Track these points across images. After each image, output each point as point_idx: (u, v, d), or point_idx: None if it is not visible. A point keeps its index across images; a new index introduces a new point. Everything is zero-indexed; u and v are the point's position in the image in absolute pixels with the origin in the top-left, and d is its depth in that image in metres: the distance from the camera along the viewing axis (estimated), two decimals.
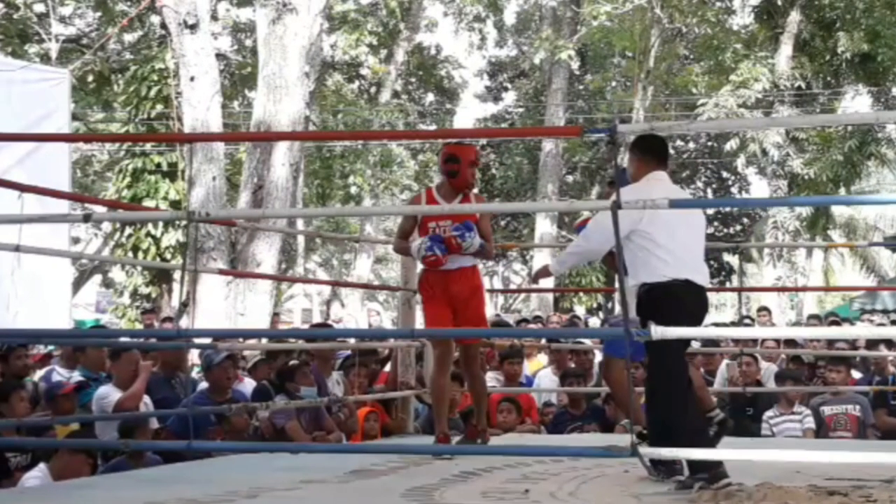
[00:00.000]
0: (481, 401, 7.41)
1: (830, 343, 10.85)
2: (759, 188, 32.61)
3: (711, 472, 5.18)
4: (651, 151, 5.86)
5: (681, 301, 5.43)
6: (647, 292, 5.44)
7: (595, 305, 30.51)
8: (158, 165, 21.19)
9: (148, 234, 20.72)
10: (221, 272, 13.68)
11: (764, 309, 15.71)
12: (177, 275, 20.77)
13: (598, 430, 9.31)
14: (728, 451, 5.50)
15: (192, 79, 15.72)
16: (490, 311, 31.48)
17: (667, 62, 29.87)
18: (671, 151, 26.93)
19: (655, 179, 5.77)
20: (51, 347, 10.91)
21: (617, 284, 5.80)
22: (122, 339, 9.73)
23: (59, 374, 9.21)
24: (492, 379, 10.32)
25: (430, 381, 7.41)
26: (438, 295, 7.04)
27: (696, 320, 5.51)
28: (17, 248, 6.60)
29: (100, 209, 8.64)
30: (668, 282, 5.44)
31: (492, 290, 33.66)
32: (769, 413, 9.46)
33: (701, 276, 5.63)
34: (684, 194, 6.18)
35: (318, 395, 8.37)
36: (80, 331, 12.74)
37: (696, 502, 4.78)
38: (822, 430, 9.33)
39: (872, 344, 10.79)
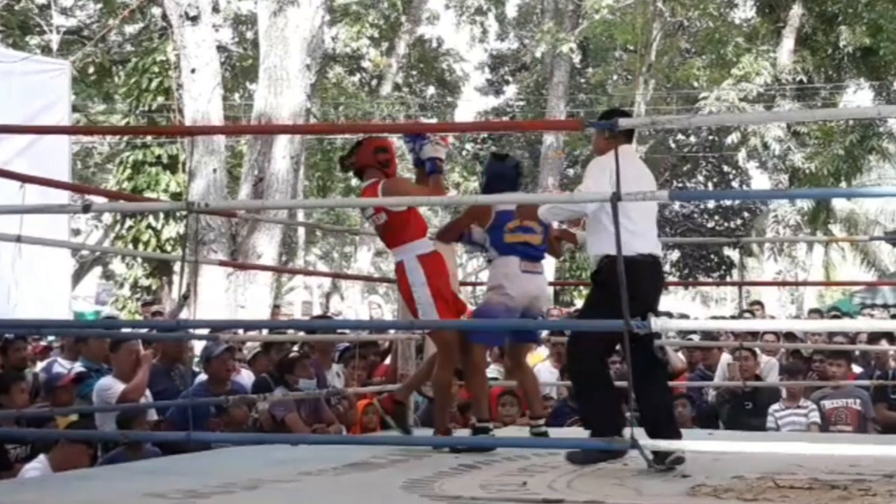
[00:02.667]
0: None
1: (831, 337, 10.84)
2: (760, 182, 32.57)
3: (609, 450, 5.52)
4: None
5: (644, 276, 5.60)
6: (611, 263, 5.47)
7: None
8: (159, 157, 21.23)
9: (148, 226, 20.75)
10: (222, 263, 13.68)
11: (757, 303, 15.69)
12: (177, 266, 20.83)
13: None
14: (728, 444, 5.51)
15: (192, 71, 15.73)
16: None
17: (668, 56, 29.86)
18: (672, 145, 26.87)
19: (624, 152, 5.78)
20: (51, 339, 10.93)
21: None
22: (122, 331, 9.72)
23: (61, 365, 9.23)
24: (493, 371, 10.33)
25: (434, 376, 7.14)
26: (443, 286, 6.64)
27: (656, 297, 5.83)
28: (17, 239, 6.59)
29: (100, 200, 8.64)
30: (635, 255, 5.55)
31: None
32: (775, 407, 9.45)
33: (658, 248, 5.91)
34: (648, 170, 6.28)
35: (317, 387, 8.37)
36: (80, 322, 12.75)
37: (696, 496, 4.77)
38: (823, 423, 9.33)
39: (873, 338, 10.79)
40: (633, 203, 5.49)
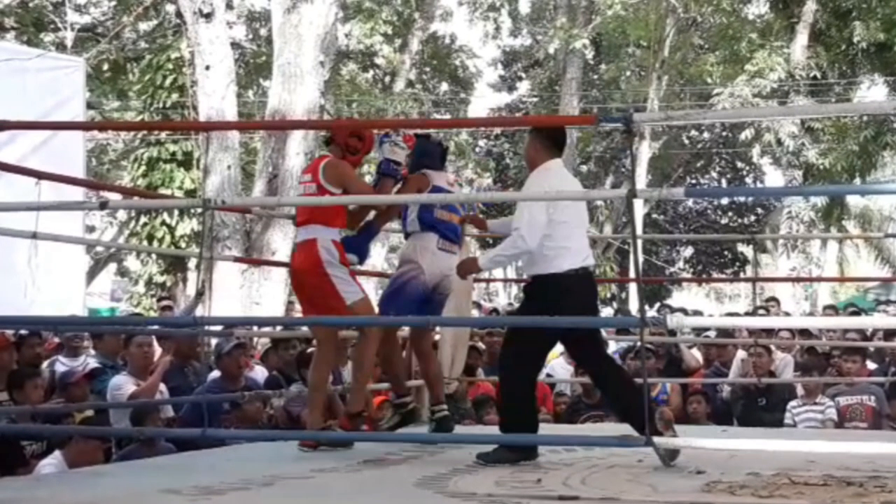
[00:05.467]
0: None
1: (845, 333, 10.81)
2: (774, 178, 32.55)
3: (522, 452, 5.81)
4: (552, 138, 6.17)
5: (573, 291, 5.90)
6: (536, 283, 5.95)
7: (609, 295, 30.50)
8: (173, 154, 21.24)
9: (163, 223, 20.77)
10: (236, 259, 13.68)
11: (772, 299, 15.63)
12: (192, 263, 20.87)
13: (616, 420, 9.31)
14: (742, 441, 5.51)
15: (207, 68, 15.74)
16: (503, 300, 31.36)
17: (681, 52, 29.81)
18: (685, 141, 26.92)
19: (556, 168, 6.14)
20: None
21: (632, 273, 5.82)
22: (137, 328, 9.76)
23: (62, 363, 9.24)
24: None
25: (355, 355, 6.93)
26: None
27: (591, 305, 6.07)
28: (33, 235, 6.61)
29: (115, 196, 8.66)
30: (565, 272, 5.89)
31: (505, 280, 33.71)
32: (792, 403, 9.47)
33: (590, 259, 6.12)
34: (578, 183, 6.46)
35: (333, 383, 8.39)
36: (95, 318, 12.77)
37: (711, 492, 4.77)
38: (838, 420, 9.32)
39: (889, 335, 10.76)
40: (564, 219, 5.89)
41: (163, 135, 21.14)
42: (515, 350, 6.03)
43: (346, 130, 6.75)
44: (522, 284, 6.24)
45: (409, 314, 6.76)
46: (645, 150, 27.82)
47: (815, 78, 25.84)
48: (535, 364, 6.23)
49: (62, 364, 9.20)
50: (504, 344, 6.30)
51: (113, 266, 33.94)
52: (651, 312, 6.18)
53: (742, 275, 34.41)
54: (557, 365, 10.84)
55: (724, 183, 35.68)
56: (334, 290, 6.36)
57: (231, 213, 14.17)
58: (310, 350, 8.72)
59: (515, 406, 6.04)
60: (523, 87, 36.52)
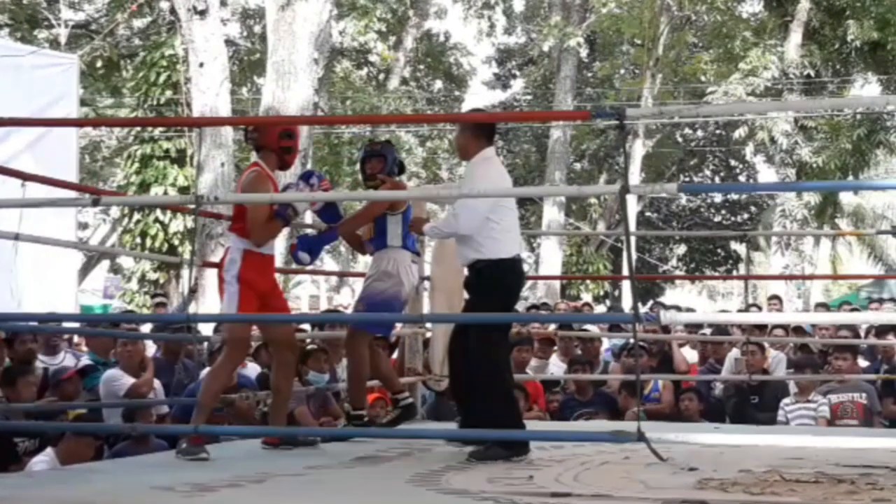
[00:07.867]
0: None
1: (837, 331, 10.81)
2: (768, 176, 32.56)
3: (514, 449, 5.82)
4: (482, 128, 6.28)
5: (509, 276, 6.12)
6: (486, 268, 6.03)
7: (602, 293, 30.50)
8: (167, 151, 21.22)
9: (156, 220, 20.75)
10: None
11: (775, 297, 15.61)
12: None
13: (607, 418, 9.31)
14: (733, 437, 5.52)
15: (201, 65, 15.74)
16: None
17: (675, 50, 29.81)
18: (679, 139, 26.86)
19: (493, 157, 6.32)
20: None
21: (625, 271, 5.85)
22: (128, 326, 9.75)
23: (41, 360, 9.21)
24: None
25: (213, 370, 6.63)
26: (256, 282, 6.34)
27: (520, 292, 6.48)
28: (16, 237, 6.55)
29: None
30: (503, 258, 6.05)
31: None
32: (786, 401, 9.45)
33: (521, 247, 6.41)
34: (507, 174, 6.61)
35: (328, 381, 8.40)
36: (89, 315, 12.72)
37: (703, 489, 4.77)
38: (829, 417, 9.31)
39: (881, 332, 10.75)
40: (508, 204, 6.13)
41: (156, 132, 21.14)
42: (482, 342, 6.05)
43: (276, 132, 6.67)
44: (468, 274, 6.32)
45: (390, 330, 6.86)
46: (638, 148, 27.83)
47: (808, 76, 25.83)
48: (504, 351, 6.32)
49: (41, 361, 9.16)
50: (471, 338, 6.32)
51: (106, 263, 33.91)
52: (644, 310, 6.15)
53: (735, 273, 34.43)
54: (551, 362, 10.84)
55: (717, 181, 35.69)
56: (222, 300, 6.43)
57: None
58: (309, 347, 8.74)
59: (494, 399, 6.05)
60: (517, 84, 36.54)
